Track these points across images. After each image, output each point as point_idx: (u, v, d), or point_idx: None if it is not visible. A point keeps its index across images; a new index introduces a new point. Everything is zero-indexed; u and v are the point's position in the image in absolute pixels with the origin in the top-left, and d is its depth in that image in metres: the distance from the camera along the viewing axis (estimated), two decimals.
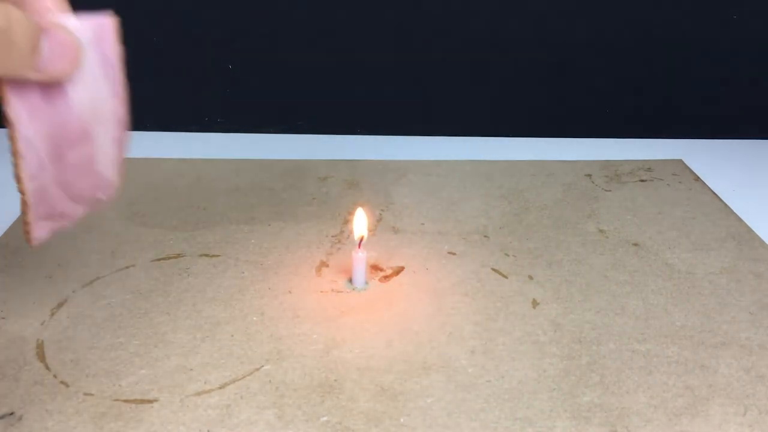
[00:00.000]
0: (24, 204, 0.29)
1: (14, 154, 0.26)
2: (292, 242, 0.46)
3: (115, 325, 0.38)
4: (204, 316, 0.39)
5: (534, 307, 0.40)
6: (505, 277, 0.43)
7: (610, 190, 0.55)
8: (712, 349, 0.37)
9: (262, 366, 0.35)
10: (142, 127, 0.64)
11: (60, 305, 0.39)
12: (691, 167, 0.59)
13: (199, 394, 0.33)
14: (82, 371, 0.34)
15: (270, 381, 0.34)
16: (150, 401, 0.33)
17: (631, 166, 0.59)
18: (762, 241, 0.47)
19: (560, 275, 0.43)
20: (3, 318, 0.38)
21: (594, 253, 0.46)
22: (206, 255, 0.44)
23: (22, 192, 0.28)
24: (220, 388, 0.33)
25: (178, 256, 0.44)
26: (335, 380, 0.34)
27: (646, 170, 0.58)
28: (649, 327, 0.39)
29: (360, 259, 0.41)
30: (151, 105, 0.64)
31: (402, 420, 0.32)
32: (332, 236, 0.47)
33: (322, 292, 0.41)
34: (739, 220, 0.50)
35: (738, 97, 0.66)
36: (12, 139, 0.26)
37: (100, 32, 0.28)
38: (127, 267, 0.43)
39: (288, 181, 0.55)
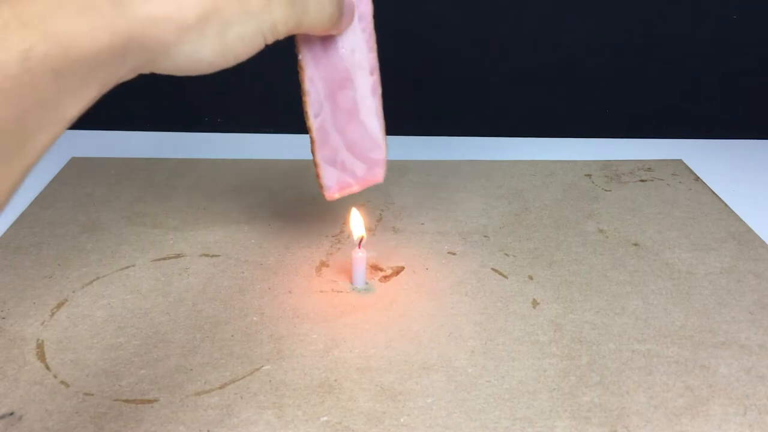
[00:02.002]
0: (312, 143, 0.35)
1: (302, 93, 0.34)
2: (292, 242, 0.46)
3: (115, 325, 0.38)
4: (204, 316, 0.39)
5: (534, 307, 0.40)
6: (505, 277, 0.43)
7: (610, 190, 0.55)
8: (712, 349, 0.37)
9: (262, 366, 0.35)
10: (142, 127, 0.64)
11: (60, 305, 0.39)
12: (691, 167, 0.59)
13: (199, 394, 0.33)
14: (82, 371, 0.34)
15: (270, 381, 0.34)
16: (150, 401, 0.33)
17: (631, 166, 0.59)
18: (762, 241, 0.47)
19: (560, 275, 0.43)
20: (3, 318, 0.38)
21: (594, 253, 0.46)
22: (206, 255, 0.44)
23: (309, 129, 0.35)
24: (220, 388, 0.33)
25: (178, 256, 0.44)
26: (335, 380, 0.34)
27: (646, 170, 0.58)
28: (649, 327, 0.39)
29: (360, 259, 0.41)
30: (151, 105, 0.64)
31: (402, 420, 0.32)
32: (332, 236, 0.47)
33: (322, 292, 0.41)
34: (739, 220, 0.50)
35: (738, 97, 0.66)
36: (301, 80, 0.34)
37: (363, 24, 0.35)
38: (127, 267, 0.43)
39: (288, 181, 0.55)
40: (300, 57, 0.34)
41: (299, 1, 0.29)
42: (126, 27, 0.23)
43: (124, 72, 0.25)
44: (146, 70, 0.25)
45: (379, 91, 0.37)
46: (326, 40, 0.34)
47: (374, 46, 0.36)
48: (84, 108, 0.23)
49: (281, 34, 0.30)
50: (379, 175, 0.38)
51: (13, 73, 0.20)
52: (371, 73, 0.35)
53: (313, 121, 0.35)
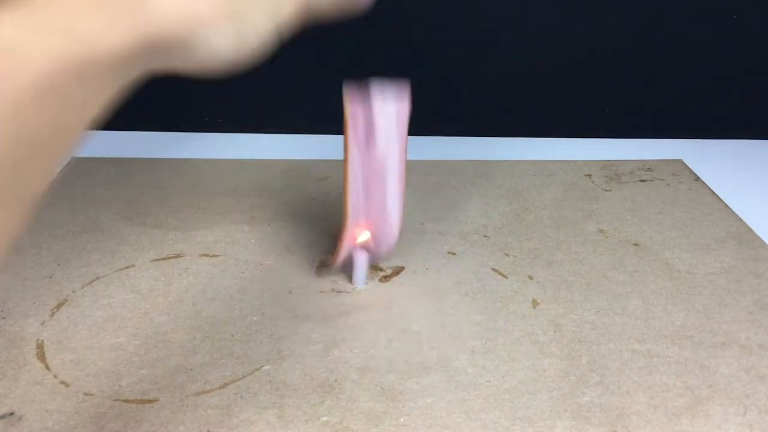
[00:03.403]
0: (343, 228, 0.39)
1: (345, 179, 0.37)
2: (292, 242, 0.46)
3: (115, 325, 0.38)
4: (204, 316, 0.39)
5: (534, 307, 0.40)
6: (505, 277, 0.43)
7: (610, 190, 0.55)
8: (712, 349, 0.37)
9: (262, 366, 0.35)
10: (142, 127, 0.64)
11: (60, 305, 0.39)
12: (691, 167, 0.59)
13: (199, 394, 0.33)
14: (82, 371, 0.34)
15: (270, 381, 0.34)
16: (150, 401, 0.33)
17: (631, 166, 0.59)
18: (762, 241, 0.47)
19: (560, 275, 0.43)
20: (3, 318, 0.38)
21: (594, 253, 0.46)
22: (206, 255, 0.44)
23: (345, 212, 0.38)
24: (220, 388, 0.33)
25: (178, 256, 0.44)
26: (335, 380, 0.34)
27: (646, 170, 0.58)
28: (649, 327, 0.39)
29: (360, 258, 0.41)
30: (151, 105, 0.64)
31: (402, 420, 0.32)
32: (332, 236, 0.47)
33: (322, 292, 0.41)
34: (739, 220, 0.50)
35: (738, 97, 0.66)
36: (345, 169, 0.37)
37: (400, 106, 0.39)
38: (127, 267, 0.43)
39: (288, 181, 0.55)
40: (346, 148, 0.37)
41: None
42: (146, 23, 0.23)
43: (142, 70, 0.25)
44: (165, 68, 0.26)
45: (402, 197, 0.39)
46: (367, 137, 0.37)
47: (405, 155, 0.39)
48: (104, 107, 0.24)
49: (293, 18, 0.30)
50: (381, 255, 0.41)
51: (42, 75, 0.21)
52: (399, 178, 0.38)
53: (350, 204, 0.38)
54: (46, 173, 0.22)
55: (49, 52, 0.21)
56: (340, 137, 0.69)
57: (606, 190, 0.55)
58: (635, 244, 0.47)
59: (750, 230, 0.49)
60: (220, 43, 0.26)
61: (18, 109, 0.20)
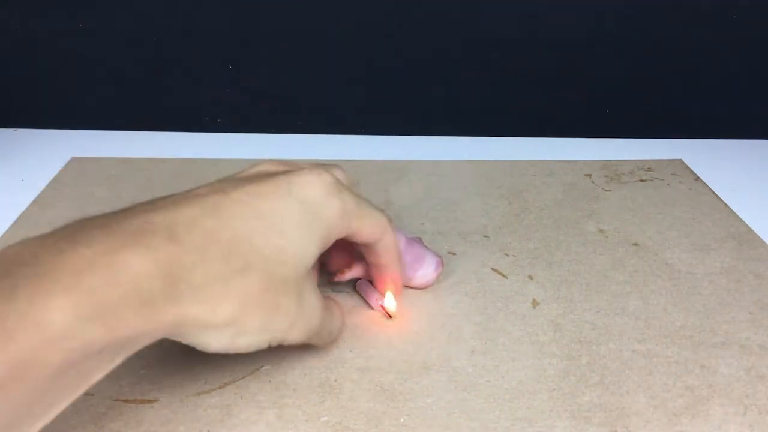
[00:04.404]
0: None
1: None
2: None
3: None
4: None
5: (534, 307, 0.40)
6: (505, 277, 0.43)
7: (610, 190, 0.55)
8: (712, 349, 0.37)
9: (262, 366, 0.35)
10: (142, 127, 0.64)
11: None
12: (691, 167, 0.59)
13: (199, 394, 0.33)
14: None
15: (270, 381, 0.34)
16: (150, 401, 0.33)
17: (631, 166, 0.59)
18: (762, 241, 0.47)
19: (560, 275, 0.43)
20: None
21: (594, 253, 0.46)
22: None
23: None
24: (220, 388, 0.33)
25: None
26: (335, 380, 0.34)
27: (646, 170, 0.58)
28: (649, 327, 0.39)
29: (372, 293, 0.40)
30: (151, 105, 0.64)
31: (402, 420, 0.32)
32: None
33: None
34: (739, 220, 0.50)
35: (738, 97, 0.66)
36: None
37: (438, 263, 0.42)
38: None
39: None
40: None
41: (315, 335, 0.33)
42: (169, 320, 0.26)
43: (148, 344, 0.27)
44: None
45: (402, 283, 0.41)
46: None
47: (403, 268, 0.41)
48: (108, 371, 0.26)
49: (284, 344, 0.32)
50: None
51: (71, 358, 0.23)
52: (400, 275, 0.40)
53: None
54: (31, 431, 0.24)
55: (82, 337, 0.23)
56: (340, 137, 0.70)
57: (606, 190, 0.55)
58: (635, 244, 0.47)
59: (750, 230, 0.49)
60: (212, 341, 0.29)
61: (36, 382, 0.23)
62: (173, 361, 0.35)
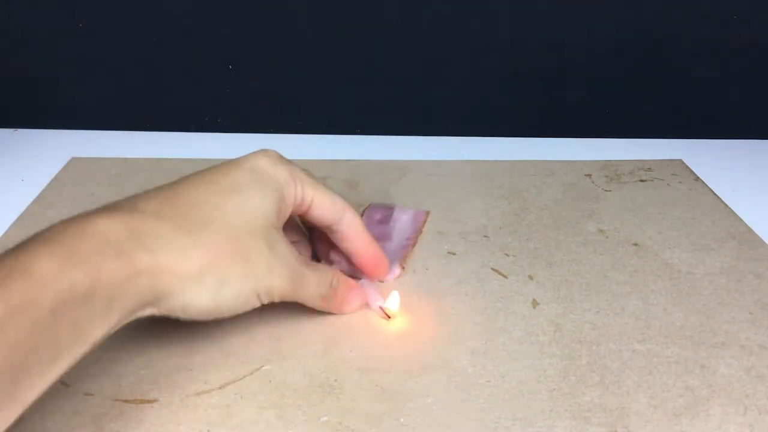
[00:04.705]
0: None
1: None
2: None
3: None
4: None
5: (534, 307, 0.40)
6: (505, 277, 0.43)
7: (610, 190, 0.55)
8: (712, 349, 0.37)
9: (262, 366, 0.35)
10: (142, 127, 0.64)
11: None
12: (691, 167, 0.59)
13: (199, 394, 0.33)
14: (82, 371, 0.34)
15: (270, 381, 0.34)
16: (150, 401, 0.33)
17: (631, 166, 0.59)
18: (762, 241, 0.47)
19: (560, 275, 0.43)
20: None
21: (594, 253, 0.46)
22: None
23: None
24: (220, 388, 0.33)
25: None
26: (335, 380, 0.34)
27: (646, 170, 0.58)
28: (649, 327, 0.39)
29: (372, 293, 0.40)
30: (151, 105, 0.64)
31: (402, 420, 0.32)
32: None
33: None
34: (739, 220, 0.50)
35: (738, 97, 0.66)
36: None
37: (418, 214, 0.48)
38: None
39: None
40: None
41: (299, 278, 0.35)
42: (145, 268, 0.29)
43: (139, 306, 0.30)
44: (155, 309, 0.31)
45: (407, 256, 0.45)
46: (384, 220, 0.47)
47: (414, 240, 0.45)
48: (108, 331, 0.28)
49: (276, 299, 0.35)
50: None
51: (62, 298, 0.26)
52: (403, 248, 0.45)
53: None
54: (43, 383, 0.26)
55: (67, 280, 0.26)
56: (340, 137, 0.70)
57: (606, 190, 0.55)
58: (635, 244, 0.47)
59: (750, 230, 0.49)
60: (199, 299, 0.31)
61: (35, 321, 0.25)
62: (173, 361, 0.35)
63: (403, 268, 0.42)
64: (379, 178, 0.56)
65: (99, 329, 0.28)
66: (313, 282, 0.36)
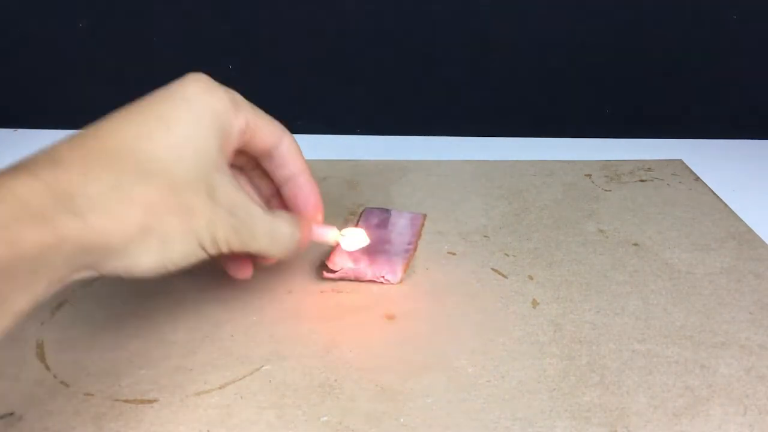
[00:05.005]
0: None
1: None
2: None
3: (115, 325, 0.38)
4: (204, 316, 0.39)
5: (534, 307, 0.40)
6: (505, 277, 0.43)
7: (610, 190, 0.55)
8: (712, 349, 0.37)
9: (262, 366, 0.35)
10: None
11: (60, 305, 0.39)
12: (691, 167, 0.59)
13: (199, 394, 0.33)
14: (82, 371, 0.34)
15: (270, 381, 0.34)
16: (150, 401, 0.33)
17: (631, 166, 0.59)
18: (762, 241, 0.47)
19: (560, 275, 0.43)
20: None
21: (594, 253, 0.46)
22: None
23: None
24: (220, 388, 0.33)
25: None
26: (335, 380, 0.34)
27: (646, 170, 0.58)
28: (649, 327, 0.39)
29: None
30: None
31: (402, 420, 0.32)
32: None
33: (322, 292, 0.41)
34: (739, 220, 0.50)
35: (738, 97, 0.66)
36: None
37: (415, 217, 0.47)
38: None
39: None
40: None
41: (245, 229, 0.32)
42: (74, 234, 0.26)
43: (72, 271, 0.27)
44: (93, 271, 0.28)
45: (408, 262, 0.43)
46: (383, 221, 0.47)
47: (414, 243, 0.45)
48: (33, 301, 0.25)
49: (224, 250, 0.32)
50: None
51: None
52: (405, 252, 0.44)
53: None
54: None
55: None
56: (340, 137, 0.70)
57: (606, 190, 0.55)
58: (635, 244, 0.47)
59: (750, 230, 0.49)
60: (142, 258, 0.28)
61: None
62: (173, 361, 0.35)
63: (404, 272, 0.42)
64: (379, 178, 0.56)
65: (22, 301, 0.25)
66: (273, 237, 0.33)
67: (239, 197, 0.32)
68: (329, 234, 0.38)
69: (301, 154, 0.36)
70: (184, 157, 0.29)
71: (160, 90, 0.31)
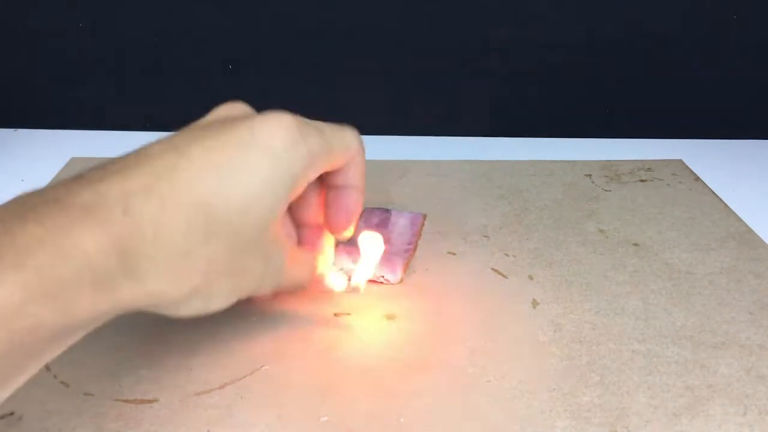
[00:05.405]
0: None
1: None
2: None
3: (115, 325, 0.37)
4: (204, 316, 0.38)
5: (534, 307, 0.40)
6: (505, 277, 0.43)
7: (610, 190, 0.55)
8: (712, 349, 0.37)
9: (262, 366, 0.35)
10: (142, 127, 0.64)
11: None
12: (691, 167, 0.59)
13: (199, 394, 0.33)
14: (82, 371, 0.34)
15: (270, 381, 0.34)
16: (150, 401, 0.33)
17: (631, 166, 0.59)
18: (762, 241, 0.47)
19: (560, 275, 0.43)
20: None
21: (594, 253, 0.46)
22: None
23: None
24: (220, 388, 0.33)
25: None
26: (335, 380, 0.34)
27: (646, 170, 0.58)
28: (649, 327, 0.39)
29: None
30: (151, 105, 0.64)
31: (402, 420, 0.32)
32: None
33: (322, 292, 0.41)
34: (739, 220, 0.50)
35: (738, 97, 0.66)
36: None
37: (415, 217, 0.46)
38: None
39: None
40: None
41: (281, 285, 0.33)
42: (129, 297, 0.25)
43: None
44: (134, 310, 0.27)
45: (408, 262, 0.43)
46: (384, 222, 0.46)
47: (414, 242, 0.44)
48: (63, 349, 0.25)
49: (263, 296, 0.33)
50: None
51: (19, 339, 0.22)
52: (405, 252, 0.43)
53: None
54: None
55: (32, 319, 0.22)
56: None
57: (606, 190, 0.55)
58: (635, 244, 0.47)
59: (750, 230, 0.49)
60: (183, 311, 0.29)
61: None
62: (173, 361, 0.35)
63: (404, 273, 0.42)
64: (379, 178, 0.56)
65: (59, 351, 0.25)
66: (294, 284, 0.34)
67: (284, 259, 0.32)
68: (337, 283, 0.38)
69: (363, 171, 0.35)
70: (252, 221, 0.29)
71: (243, 126, 0.29)
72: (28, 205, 0.24)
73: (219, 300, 0.30)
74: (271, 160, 0.29)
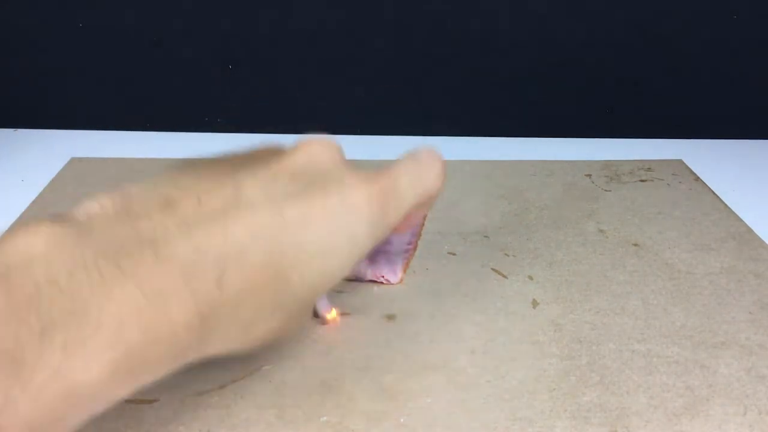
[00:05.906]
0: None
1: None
2: None
3: None
4: None
5: (534, 307, 0.40)
6: (505, 277, 0.43)
7: (610, 190, 0.55)
8: (712, 349, 0.37)
9: (262, 366, 0.35)
10: (142, 127, 0.64)
11: None
12: (691, 167, 0.59)
13: (199, 394, 0.33)
14: None
15: (270, 381, 0.34)
16: (150, 401, 0.33)
17: (631, 166, 0.59)
18: (762, 241, 0.47)
19: (560, 275, 0.43)
20: None
21: (594, 253, 0.46)
22: None
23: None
24: (220, 388, 0.33)
25: None
26: (335, 380, 0.34)
27: (646, 170, 0.58)
28: (649, 327, 0.39)
29: None
30: (151, 105, 0.64)
31: (402, 420, 0.32)
32: None
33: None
34: (739, 220, 0.50)
35: (738, 97, 0.66)
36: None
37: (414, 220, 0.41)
38: None
39: None
40: None
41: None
42: (192, 358, 0.25)
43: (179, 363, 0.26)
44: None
45: (407, 262, 0.43)
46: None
47: (414, 245, 0.42)
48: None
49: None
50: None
51: (91, 415, 0.22)
52: (404, 253, 0.42)
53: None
54: None
55: (110, 397, 0.22)
56: (340, 137, 0.69)
57: (606, 190, 0.55)
58: (635, 244, 0.47)
59: (750, 230, 0.49)
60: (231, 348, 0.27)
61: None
62: None
63: (404, 272, 0.42)
64: None
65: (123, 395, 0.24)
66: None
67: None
68: (327, 312, 0.38)
69: (427, 210, 0.35)
70: (318, 288, 0.29)
71: (333, 190, 0.28)
72: (124, 249, 0.22)
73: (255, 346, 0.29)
74: (350, 247, 0.28)
